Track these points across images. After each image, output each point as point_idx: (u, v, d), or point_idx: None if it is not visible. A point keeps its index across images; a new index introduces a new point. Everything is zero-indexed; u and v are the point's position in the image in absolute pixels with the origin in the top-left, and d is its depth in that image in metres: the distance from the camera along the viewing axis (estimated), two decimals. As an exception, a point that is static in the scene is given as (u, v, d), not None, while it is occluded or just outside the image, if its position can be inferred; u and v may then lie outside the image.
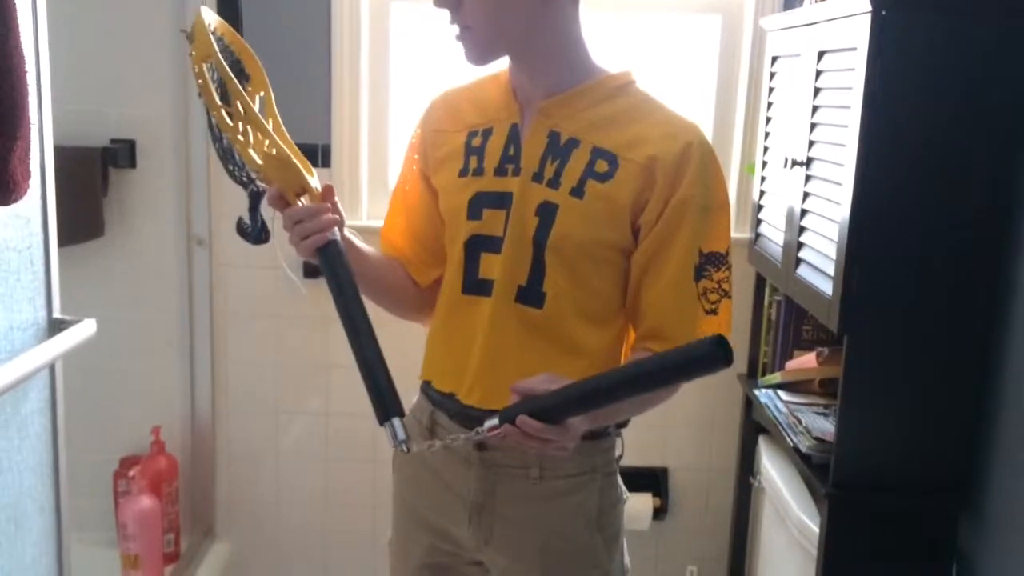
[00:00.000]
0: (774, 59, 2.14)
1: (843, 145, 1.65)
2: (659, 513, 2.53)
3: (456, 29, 1.24)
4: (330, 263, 1.21)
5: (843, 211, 1.63)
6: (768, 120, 2.18)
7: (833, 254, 1.68)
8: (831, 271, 1.69)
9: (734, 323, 1.30)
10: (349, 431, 2.56)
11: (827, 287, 1.70)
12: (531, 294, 1.27)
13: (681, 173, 1.22)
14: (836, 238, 1.67)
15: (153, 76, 2.35)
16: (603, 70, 1.29)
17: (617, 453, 1.40)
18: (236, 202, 2.42)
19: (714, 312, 1.27)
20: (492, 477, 1.33)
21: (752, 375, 2.32)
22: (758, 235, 2.22)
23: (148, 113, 2.37)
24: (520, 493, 1.32)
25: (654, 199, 1.23)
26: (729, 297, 1.28)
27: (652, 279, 1.26)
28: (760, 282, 2.29)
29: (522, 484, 1.32)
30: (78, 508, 1.55)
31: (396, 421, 1.15)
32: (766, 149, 2.19)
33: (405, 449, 1.16)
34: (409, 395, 1.35)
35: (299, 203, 1.25)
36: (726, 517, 2.50)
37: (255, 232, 1.25)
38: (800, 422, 1.88)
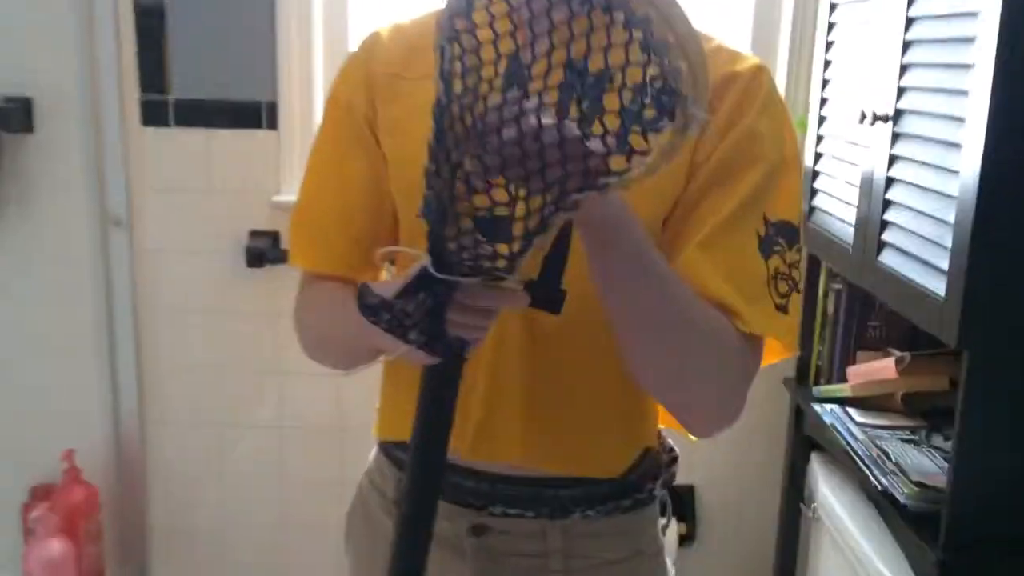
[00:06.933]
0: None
1: (962, 92, 1.28)
2: (685, 540, 2.24)
3: None
4: (448, 383, 0.88)
5: (964, 183, 1.25)
6: (827, 64, 1.81)
7: (946, 240, 1.31)
8: (943, 263, 1.31)
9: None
10: (307, 447, 2.32)
11: (937, 284, 1.33)
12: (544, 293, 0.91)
13: (751, 96, 0.92)
14: (952, 219, 1.30)
15: (52, 21, 2.08)
16: None
17: (662, 522, 1.08)
18: (161, 172, 2.24)
19: (783, 310, 0.90)
20: (495, 570, 1.03)
21: (802, 381, 1.97)
22: (812, 208, 1.86)
23: (46, 66, 2.10)
24: None
25: (711, 125, 0.90)
26: (800, 291, 0.93)
27: (695, 229, 0.90)
28: (813, 266, 1.92)
29: None
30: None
31: None
32: (824, 101, 1.83)
33: None
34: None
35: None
36: (766, 548, 2.18)
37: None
38: (888, 456, 1.48)
